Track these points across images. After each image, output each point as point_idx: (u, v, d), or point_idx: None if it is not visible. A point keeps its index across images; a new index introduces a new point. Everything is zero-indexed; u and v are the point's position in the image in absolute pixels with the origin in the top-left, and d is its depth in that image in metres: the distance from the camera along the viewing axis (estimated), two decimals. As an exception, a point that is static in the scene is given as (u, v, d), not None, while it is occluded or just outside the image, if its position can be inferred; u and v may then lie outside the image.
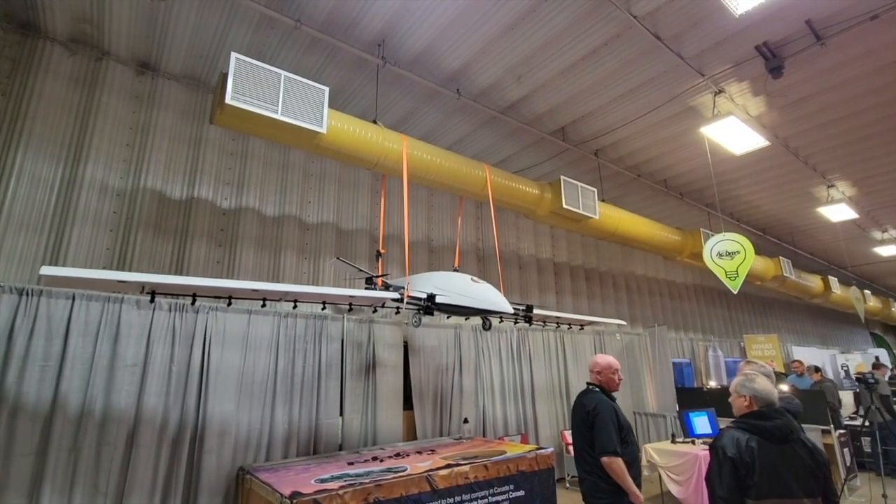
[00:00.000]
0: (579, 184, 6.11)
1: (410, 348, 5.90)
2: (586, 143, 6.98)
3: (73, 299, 3.56)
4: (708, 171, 8.23)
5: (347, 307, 4.12)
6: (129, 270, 4.41)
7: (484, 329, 4.73)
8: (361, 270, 5.23)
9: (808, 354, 13.13)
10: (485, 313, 3.91)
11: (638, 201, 9.13)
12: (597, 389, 2.98)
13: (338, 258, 5.18)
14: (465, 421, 5.55)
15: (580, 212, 5.97)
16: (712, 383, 9.03)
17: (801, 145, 7.34)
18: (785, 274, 10.36)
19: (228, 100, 3.43)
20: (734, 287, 4.85)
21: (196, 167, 5.24)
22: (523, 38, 4.88)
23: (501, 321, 5.17)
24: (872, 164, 7.96)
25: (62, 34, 4.63)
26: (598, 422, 2.74)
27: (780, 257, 10.51)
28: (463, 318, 6.70)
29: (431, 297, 3.75)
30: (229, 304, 3.46)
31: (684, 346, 10.50)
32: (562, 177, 5.99)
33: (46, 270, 2.62)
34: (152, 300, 3.18)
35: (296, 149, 4.23)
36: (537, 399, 7.06)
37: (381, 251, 4.85)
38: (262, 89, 3.63)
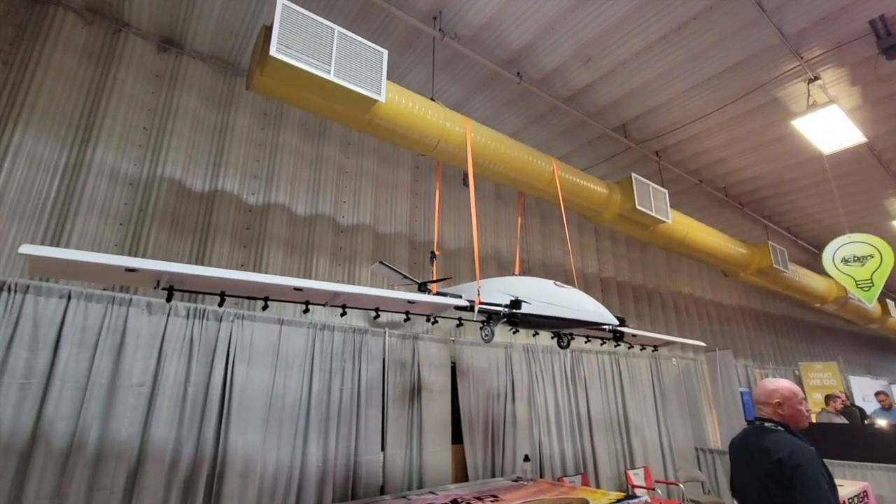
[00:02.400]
0: (650, 183, 5.38)
1: (458, 370, 5.07)
2: (648, 142, 6.29)
3: (69, 298, 2.82)
4: (774, 179, 7.52)
5: (404, 316, 3.35)
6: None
7: (560, 347, 3.92)
8: (406, 277, 4.47)
9: (862, 384, 12.05)
10: (584, 325, 3.11)
11: (692, 212, 8.33)
12: (780, 429, 2.14)
13: (381, 262, 4.43)
14: (527, 459, 4.67)
15: (653, 214, 5.22)
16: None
17: (886, 148, 6.60)
18: (850, 295, 9.45)
19: (273, 52, 2.76)
20: (869, 299, 4.03)
21: (221, 157, 4.58)
22: (599, 10, 4.24)
23: (572, 338, 4.36)
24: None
25: (77, 1, 4.05)
26: (802, 479, 1.90)
27: (843, 276, 9.61)
28: (514, 334, 5.90)
29: (517, 303, 2.96)
30: (265, 306, 2.71)
31: (739, 374, 9.52)
32: (633, 174, 5.27)
33: (28, 249, 1.89)
34: (169, 298, 2.43)
35: (343, 124, 3.55)
36: (595, 432, 6.14)
37: (436, 252, 4.11)
38: (313, 45, 2.97)
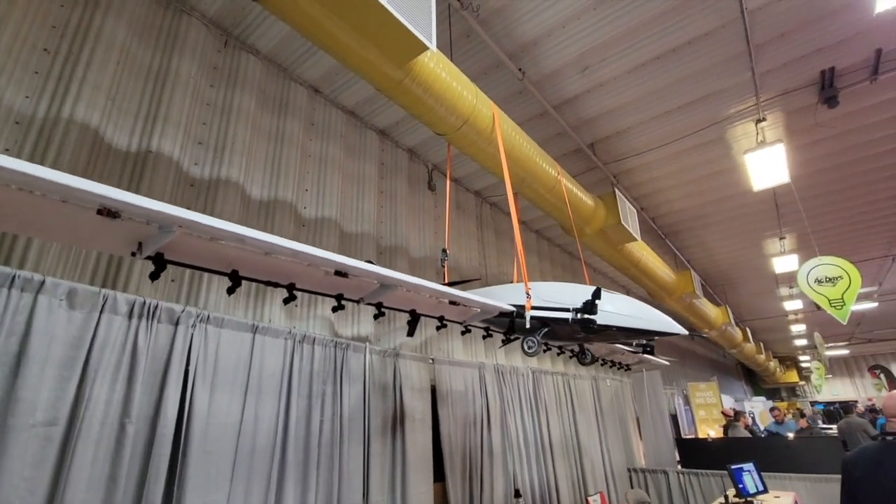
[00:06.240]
0: (627, 201, 5.42)
1: (438, 394, 4.38)
2: (608, 164, 6.44)
3: (-71, 272, 1.61)
4: (693, 213, 8.26)
5: (437, 322, 2.64)
6: (29, 251, 2.41)
7: (582, 363, 3.52)
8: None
9: (725, 402, 13.89)
10: (652, 336, 2.74)
11: (623, 239, 8.83)
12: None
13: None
14: (518, 494, 4.11)
15: (632, 231, 5.22)
16: (712, 432, 8.64)
17: (782, 192, 7.66)
18: (732, 322, 10.80)
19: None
20: (842, 317, 4.38)
21: (156, 110, 3.43)
22: (614, 15, 4.17)
23: (614, 363, 3.98)
24: (823, 220, 8.60)
25: None
26: None
27: (727, 306, 10.99)
28: (571, 358, 5.39)
29: (591, 306, 2.45)
30: (290, 297, 1.85)
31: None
32: (616, 189, 5.25)
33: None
34: (156, 275, 1.48)
35: (367, 80, 2.81)
36: (556, 458, 5.83)
37: (447, 250, 3.47)
38: (365, -43, 2.25)
